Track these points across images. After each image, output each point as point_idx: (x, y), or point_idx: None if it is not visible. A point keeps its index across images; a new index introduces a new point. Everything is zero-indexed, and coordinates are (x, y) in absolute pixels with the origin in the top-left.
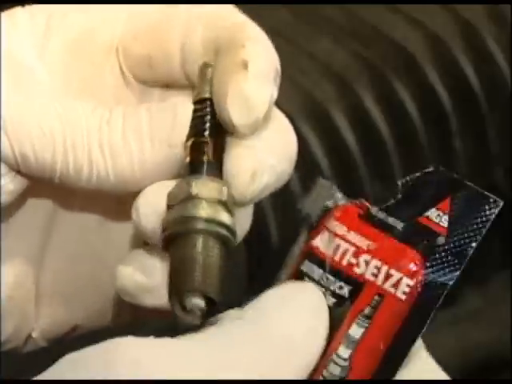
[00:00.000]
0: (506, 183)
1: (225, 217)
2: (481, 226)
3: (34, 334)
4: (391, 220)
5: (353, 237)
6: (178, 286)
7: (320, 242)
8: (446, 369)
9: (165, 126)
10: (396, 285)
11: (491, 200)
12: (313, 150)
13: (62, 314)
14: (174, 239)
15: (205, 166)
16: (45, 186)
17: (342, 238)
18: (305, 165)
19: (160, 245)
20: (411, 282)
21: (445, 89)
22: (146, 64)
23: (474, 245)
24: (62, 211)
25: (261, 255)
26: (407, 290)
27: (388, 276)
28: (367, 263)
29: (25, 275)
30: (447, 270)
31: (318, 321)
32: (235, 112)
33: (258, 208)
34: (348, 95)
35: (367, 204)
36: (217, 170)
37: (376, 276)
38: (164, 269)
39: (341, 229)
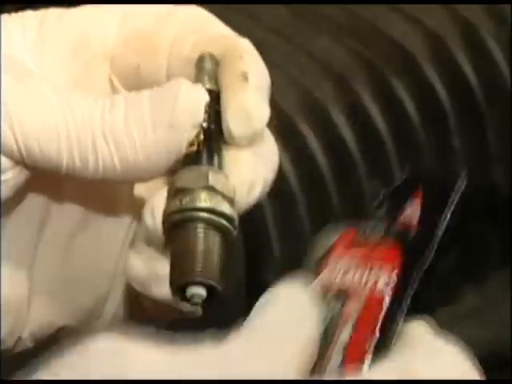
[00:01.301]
0: (506, 183)
1: (226, 208)
2: (445, 202)
3: (24, 335)
4: (376, 231)
5: (344, 260)
6: (178, 274)
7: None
8: None
9: (166, 107)
10: (375, 283)
11: (454, 177)
12: (311, 149)
13: (51, 314)
14: (175, 228)
15: (215, 158)
16: (37, 181)
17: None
18: (303, 163)
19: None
20: (388, 278)
21: (444, 87)
22: (133, 73)
23: (443, 217)
24: (54, 208)
25: (258, 253)
26: (385, 284)
27: (368, 278)
28: (354, 275)
29: (19, 274)
30: (420, 252)
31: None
32: (235, 124)
33: (257, 207)
34: (347, 94)
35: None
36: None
37: (359, 282)
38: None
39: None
